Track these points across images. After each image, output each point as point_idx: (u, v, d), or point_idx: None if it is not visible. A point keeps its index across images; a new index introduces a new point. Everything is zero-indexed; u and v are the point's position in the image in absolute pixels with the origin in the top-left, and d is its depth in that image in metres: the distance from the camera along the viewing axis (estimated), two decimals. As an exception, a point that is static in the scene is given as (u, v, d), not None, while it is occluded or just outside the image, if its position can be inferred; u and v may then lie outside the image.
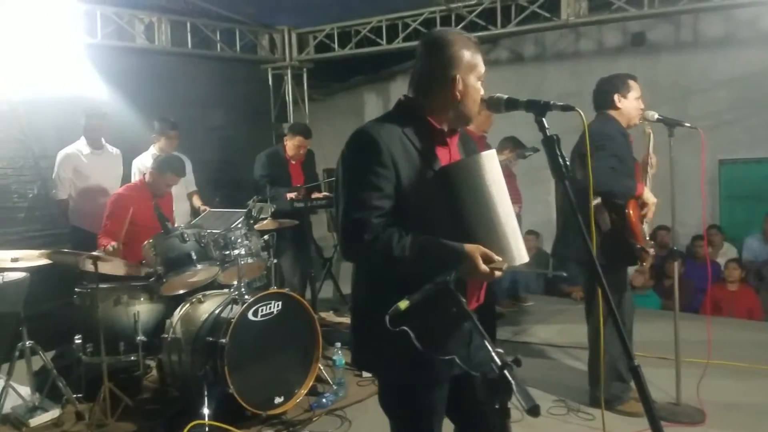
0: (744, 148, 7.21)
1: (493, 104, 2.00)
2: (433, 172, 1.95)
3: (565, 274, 7.17)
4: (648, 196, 3.54)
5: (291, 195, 5.49)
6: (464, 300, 1.76)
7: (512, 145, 6.14)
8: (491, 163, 1.92)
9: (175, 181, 4.65)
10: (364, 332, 2.06)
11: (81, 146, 5.24)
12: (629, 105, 3.59)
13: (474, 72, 1.98)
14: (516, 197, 6.20)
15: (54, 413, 3.88)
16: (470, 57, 1.97)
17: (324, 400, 3.97)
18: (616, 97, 3.61)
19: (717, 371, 3.95)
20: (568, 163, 1.85)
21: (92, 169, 5.23)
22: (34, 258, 3.76)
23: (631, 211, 3.43)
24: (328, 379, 4.19)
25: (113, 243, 4.22)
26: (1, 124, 5.46)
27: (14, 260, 3.71)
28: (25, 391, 3.98)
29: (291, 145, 5.66)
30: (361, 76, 9.70)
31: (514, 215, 1.95)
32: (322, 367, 4.14)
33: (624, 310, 3.71)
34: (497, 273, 1.86)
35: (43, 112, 5.62)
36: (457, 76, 1.96)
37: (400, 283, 1.79)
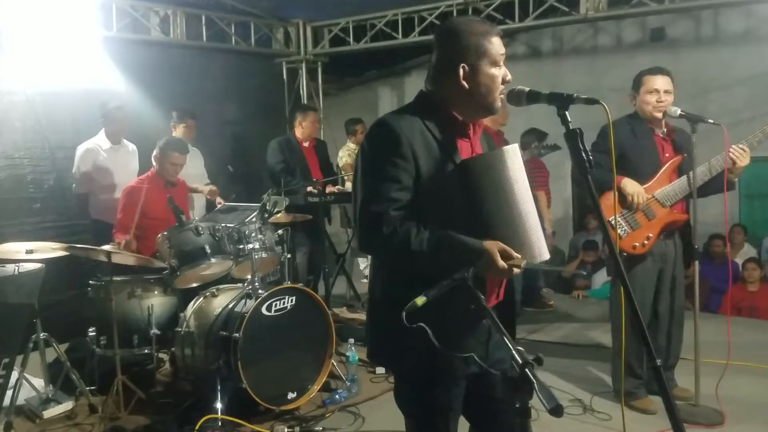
0: (764, 146, 7.07)
1: (513, 97, 1.95)
2: (454, 165, 1.91)
3: (584, 273, 7.10)
4: (625, 185, 3.52)
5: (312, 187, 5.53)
6: (482, 297, 1.73)
7: (536, 138, 6.06)
8: (514, 157, 1.88)
9: (180, 159, 4.59)
10: (381, 328, 2.02)
11: (100, 141, 5.23)
12: (641, 101, 3.64)
13: (485, 58, 1.91)
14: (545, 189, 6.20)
15: (67, 405, 3.89)
16: (479, 43, 1.90)
17: (337, 396, 3.94)
18: (631, 96, 3.71)
19: (736, 372, 3.88)
20: (591, 157, 1.81)
21: (111, 164, 5.23)
22: (48, 250, 3.76)
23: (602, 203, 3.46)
24: (342, 375, 4.17)
25: (126, 237, 4.22)
26: (17, 115, 5.46)
27: (29, 252, 3.71)
28: (39, 383, 3.99)
29: (307, 124, 5.74)
30: (376, 71, 9.66)
31: (535, 212, 1.91)
32: (335, 363, 4.12)
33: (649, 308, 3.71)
34: (516, 270, 1.82)
35: (59, 104, 5.63)
36: (462, 66, 1.90)
37: (418, 278, 1.76)
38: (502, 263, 1.79)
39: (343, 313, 5.67)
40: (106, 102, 5.29)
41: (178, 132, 5.63)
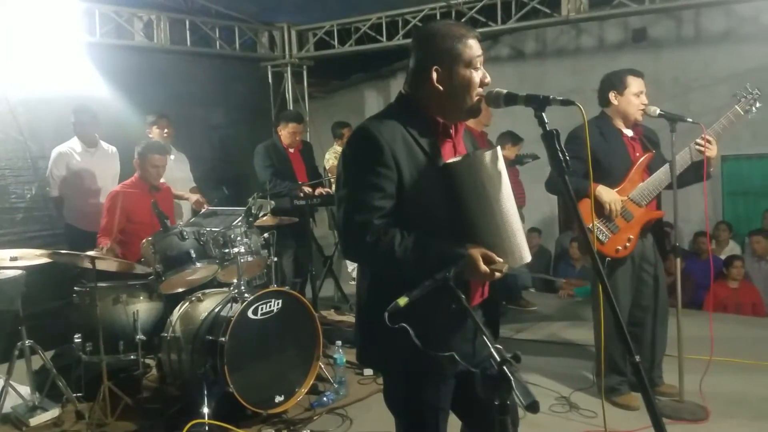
0: (746, 144, 7.17)
1: (491, 99, 1.97)
2: (437, 169, 1.92)
3: (563, 280, 7.12)
4: (601, 193, 3.50)
5: (300, 191, 5.54)
6: (464, 296, 1.75)
7: (511, 140, 6.12)
8: (495, 160, 1.89)
9: (161, 161, 4.58)
10: (369, 330, 2.04)
11: (74, 144, 5.21)
12: (625, 102, 3.60)
13: (459, 61, 1.92)
14: (520, 197, 6.15)
15: (54, 413, 3.87)
16: (453, 46, 1.91)
17: (325, 398, 3.95)
18: (611, 94, 3.65)
19: (720, 368, 3.92)
20: (568, 158, 1.83)
21: (86, 168, 5.20)
22: (32, 257, 3.75)
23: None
24: (329, 377, 4.17)
25: (108, 242, 4.21)
26: (-1, 124, 5.45)
27: (13, 259, 3.70)
28: (25, 390, 3.97)
29: (286, 133, 5.74)
30: (362, 74, 9.68)
31: (517, 215, 1.93)
32: (322, 366, 4.12)
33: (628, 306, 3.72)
34: (497, 274, 1.85)
35: (41, 112, 5.60)
36: (435, 68, 1.92)
37: (404, 281, 1.77)
38: (484, 268, 1.82)
39: (331, 315, 5.66)
40: (78, 105, 5.25)
41: (154, 135, 5.58)
